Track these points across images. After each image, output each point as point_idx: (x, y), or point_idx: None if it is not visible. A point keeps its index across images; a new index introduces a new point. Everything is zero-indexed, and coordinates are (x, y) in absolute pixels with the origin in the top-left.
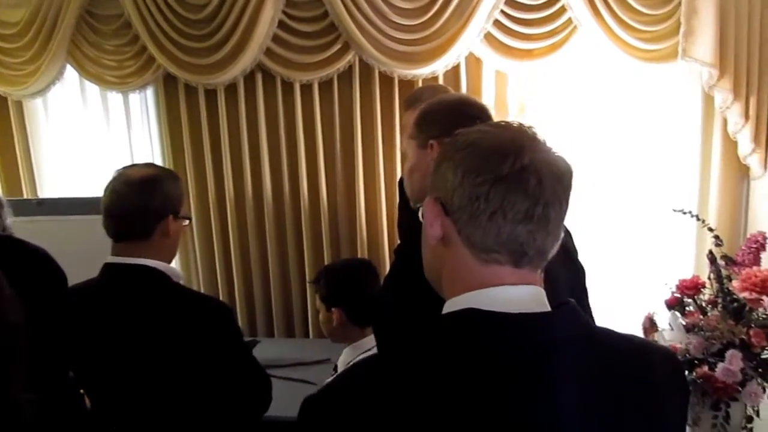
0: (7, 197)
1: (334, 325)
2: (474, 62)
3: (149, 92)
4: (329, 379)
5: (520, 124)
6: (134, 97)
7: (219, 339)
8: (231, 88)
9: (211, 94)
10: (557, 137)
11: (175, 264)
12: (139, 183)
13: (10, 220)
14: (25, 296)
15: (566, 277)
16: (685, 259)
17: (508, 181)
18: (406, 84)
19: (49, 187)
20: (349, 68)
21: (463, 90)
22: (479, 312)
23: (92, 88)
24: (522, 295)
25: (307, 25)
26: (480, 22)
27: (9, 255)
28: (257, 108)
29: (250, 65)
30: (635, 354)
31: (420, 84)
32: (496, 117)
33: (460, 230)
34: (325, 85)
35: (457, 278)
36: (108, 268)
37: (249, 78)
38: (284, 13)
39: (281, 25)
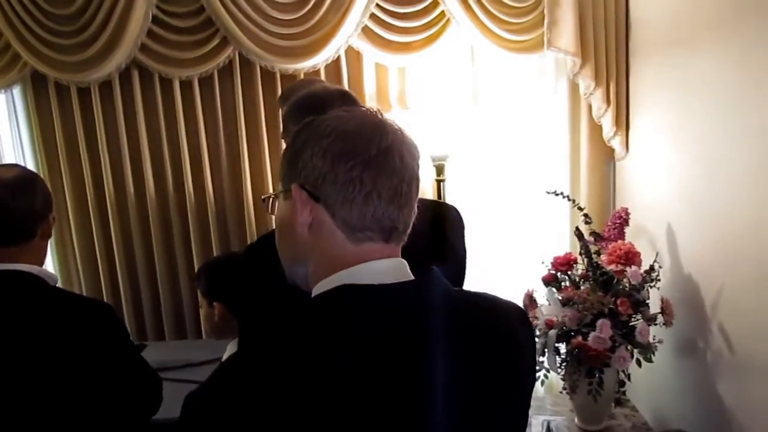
0: None
1: (216, 320)
2: (354, 55)
3: (16, 91)
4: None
5: (368, 108)
6: None
7: (104, 340)
8: (106, 86)
9: (84, 92)
10: (438, 127)
11: (52, 270)
12: (16, 185)
13: None
14: None
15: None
16: (562, 238)
17: (377, 163)
18: (288, 78)
19: None
20: (230, 63)
21: (345, 83)
22: (351, 286)
23: None
24: (389, 267)
25: (182, 21)
26: (357, 15)
27: None
28: (135, 105)
29: (124, 61)
30: (493, 311)
31: (302, 78)
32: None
33: (334, 214)
34: (206, 81)
35: (328, 261)
36: None
37: (125, 75)
38: (158, 8)
39: (156, 20)
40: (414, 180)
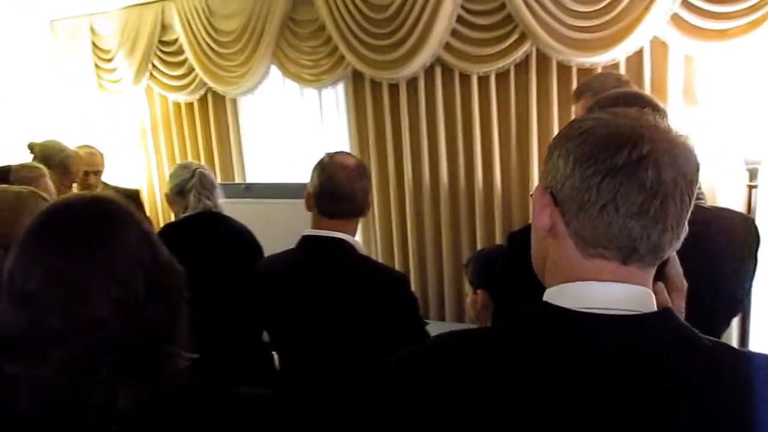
0: (221, 182)
1: (479, 307)
2: (659, 47)
3: (340, 88)
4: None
5: (643, 110)
6: (327, 93)
7: (396, 305)
8: (412, 82)
9: (393, 88)
10: (755, 126)
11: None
12: (358, 170)
13: (221, 201)
14: (226, 264)
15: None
16: None
17: (622, 173)
18: (585, 72)
19: (255, 174)
20: (526, 58)
21: (647, 78)
22: (550, 309)
23: (291, 86)
24: (617, 293)
25: (484, 18)
26: (666, 2)
27: (217, 228)
28: (435, 100)
29: (429, 60)
30: (735, 371)
31: (599, 72)
32: (683, 107)
33: (569, 222)
34: (502, 77)
35: (557, 270)
36: (306, 239)
37: (428, 72)
38: (462, 7)
39: (459, 19)
40: (674, 198)
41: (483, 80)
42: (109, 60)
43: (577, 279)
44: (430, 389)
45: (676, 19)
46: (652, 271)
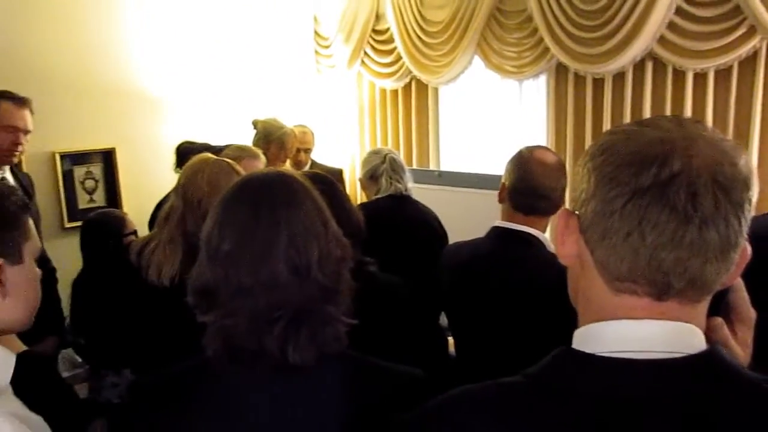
0: (416, 167)
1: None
2: None
3: (541, 80)
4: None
5: (683, 118)
6: (527, 85)
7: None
8: (618, 77)
9: (598, 82)
10: None
11: None
12: (556, 167)
13: (411, 185)
14: (410, 244)
15: None
16: None
17: (649, 195)
18: None
19: (449, 162)
20: (753, 54)
21: None
22: (574, 355)
23: (491, 76)
24: (648, 333)
25: (707, 10)
26: None
27: (405, 209)
28: (643, 98)
29: (640, 53)
30: None
31: None
32: None
33: (593, 251)
34: (722, 74)
35: (588, 305)
36: (498, 231)
37: (638, 66)
38: None
39: (678, 10)
40: (716, 222)
41: (699, 77)
42: (327, 47)
43: (608, 317)
44: None
45: None
46: (701, 306)
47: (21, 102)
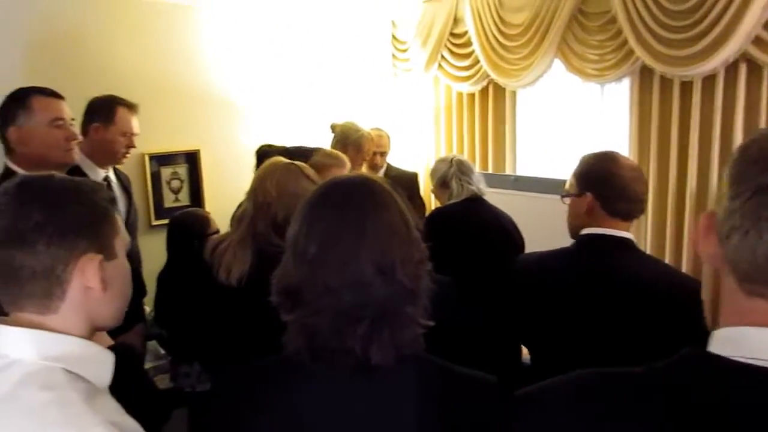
0: (492, 172)
1: None
2: None
3: (624, 84)
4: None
5: None
6: (609, 89)
7: (687, 315)
8: (708, 80)
9: (685, 86)
10: None
11: None
12: (640, 171)
13: (484, 187)
14: (486, 247)
15: None
16: None
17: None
18: None
19: (525, 166)
20: None
21: None
22: (702, 357)
23: (571, 80)
24: None
25: None
26: None
27: (480, 212)
28: (736, 102)
29: (733, 55)
30: None
31: None
32: None
33: (724, 250)
34: None
35: (725, 308)
36: (589, 237)
37: (730, 69)
38: None
39: None
40: None
41: None
42: (404, 50)
43: (738, 319)
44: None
45: None
46: None
47: (133, 108)
